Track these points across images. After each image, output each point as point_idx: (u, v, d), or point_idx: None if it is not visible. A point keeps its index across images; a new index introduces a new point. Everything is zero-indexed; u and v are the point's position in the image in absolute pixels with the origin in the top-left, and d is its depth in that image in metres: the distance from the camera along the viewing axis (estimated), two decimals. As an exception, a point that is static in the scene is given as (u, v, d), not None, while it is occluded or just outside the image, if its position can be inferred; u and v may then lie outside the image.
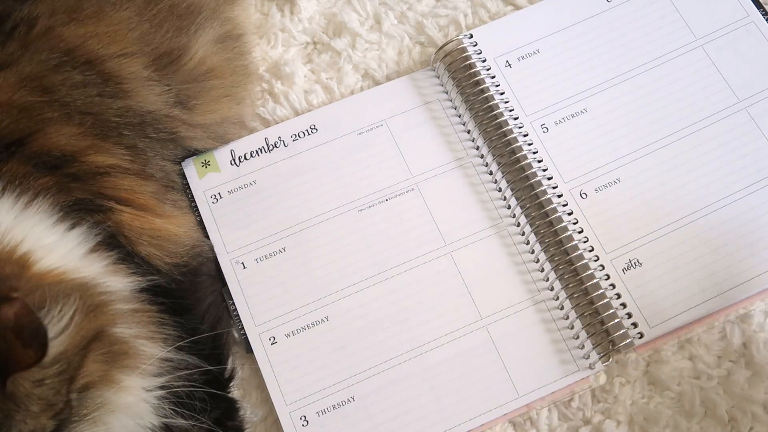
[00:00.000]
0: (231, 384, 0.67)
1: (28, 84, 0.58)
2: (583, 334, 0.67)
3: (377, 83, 0.79)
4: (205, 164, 0.74)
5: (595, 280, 0.68)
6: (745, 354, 0.68)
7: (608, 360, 0.67)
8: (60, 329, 0.49)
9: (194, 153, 0.74)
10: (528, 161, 0.72)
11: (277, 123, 0.77)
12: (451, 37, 0.79)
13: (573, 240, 0.70)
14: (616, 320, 0.67)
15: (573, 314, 0.68)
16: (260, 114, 0.77)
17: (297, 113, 0.77)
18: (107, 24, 0.62)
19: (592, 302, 0.68)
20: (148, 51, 0.64)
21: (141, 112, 0.64)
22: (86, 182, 0.59)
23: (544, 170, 0.72)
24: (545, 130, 0.74)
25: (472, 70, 0.76)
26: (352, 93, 0.78)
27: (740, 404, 0.66)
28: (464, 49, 0.77)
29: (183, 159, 0.73)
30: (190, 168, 0.74)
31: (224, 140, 0.74)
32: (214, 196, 0.74)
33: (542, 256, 0.70)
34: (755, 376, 0.67)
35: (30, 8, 0.60)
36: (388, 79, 0.79)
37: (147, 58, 0.64)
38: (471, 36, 0.77)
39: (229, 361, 0.67)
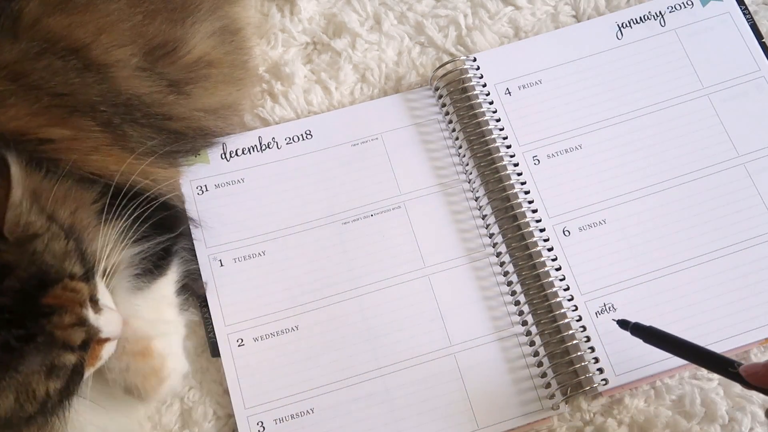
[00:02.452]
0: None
1: None
2: (549, 373, 0.67)
3: (376, 85, 0.78)
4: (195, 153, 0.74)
5: (566, 320, 0.67)
6: (745, 357, 0.68)
7: (571, 402, 0.66)
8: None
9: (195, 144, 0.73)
10: (515, 191, 0.72)
11: (277, 123, 0.77)
12: (453, 52, 0.79)
13: (549, 277, 0.69)
14: (583, 363, 0.66)
15: (542, 351, 0.67)
16: (259, 114, 0.77)
17: (296, 113, 0.77)
18: (96, 15, 0.62)
19: (563, 341, 0.67)
20: (141, 42, 0.64)
21: (127, 94, 0.64)
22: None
23: (530, 202, 0.72)
24: (537, 162, 0.73)
25: (470, 93, 0.75)
26: (351, 93, 0.78)
27: (740, 405, 0.66)
28: (465, 71, 0.76)
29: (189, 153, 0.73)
30: (180, 155, 0.74)
31: (222, 130, 0.74)
32: (200, 188, 0.74)
33: (518, 289, 0.69)
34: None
35: (18, 4, 0.61)
36: (387, 79, 0.79)
37: (139, 49, 0.64)
38: (474, 59, 0.77)
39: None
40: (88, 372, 0.53)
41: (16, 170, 0.50)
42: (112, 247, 0.56)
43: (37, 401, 0.49)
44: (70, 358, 0.50)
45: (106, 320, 0.52)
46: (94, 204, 0.58)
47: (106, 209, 0.57)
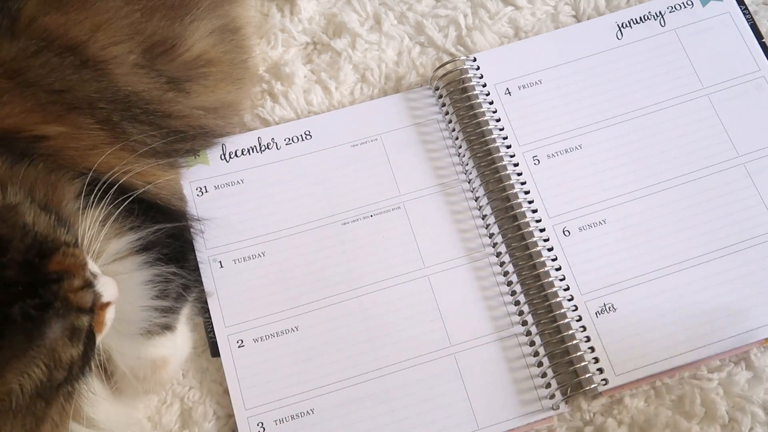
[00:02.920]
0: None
1: None
2: (549, 373, 0.67)
3: (376, 85, 0.78)
4: (195, 154, 0.74)
5: (566, 320, 0.67)
6: (745, 357, 0.68)
7: (571, 402, 0.66)
8: None
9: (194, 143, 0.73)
10: (515, 191, 0.72)
11: (277, 123, 0.77)
12: (453, 52, 0.79)
13: (549, 277, 0.69)
14: (583, 363, 0.66)
15: (542, 351, 0.67)
16: (259, 114, 0.77)
17: (296, 113, 0.77)
18: (93, 12, 0.62)
19: (563, 341, 0.67)
20: (138, 39, 0.64)
21: (125, 91, 0.64)
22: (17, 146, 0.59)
23: (530, 202, 0.72)
24: (537, 162, 0.73)
25: (470, 93, 0.75)
26: (351, 93, 0.78)
27: (740, 405, 0.66)
28: (465, 71, 0.76)
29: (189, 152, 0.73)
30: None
31: (222, 129, 0.74)
32: (200, 189, 0.74)
33: (518, 289, 0.69)
34: (755, 377, 0.67)
35: (16, 3, 0.61)
36: (387, 80, 0.79)
37: (137, 46, 0.64)
38: (474, 59, 0.77)
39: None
40: (99, 338, 0.54)
41: None
42: (97, 228, 0.57)
43: (64, 367, 0.50)
44: (85, 321, 0.51)
45: (103, 284, 0.53)
46: (72, 186, 0.58)
47: (85, 193, 0.57)
